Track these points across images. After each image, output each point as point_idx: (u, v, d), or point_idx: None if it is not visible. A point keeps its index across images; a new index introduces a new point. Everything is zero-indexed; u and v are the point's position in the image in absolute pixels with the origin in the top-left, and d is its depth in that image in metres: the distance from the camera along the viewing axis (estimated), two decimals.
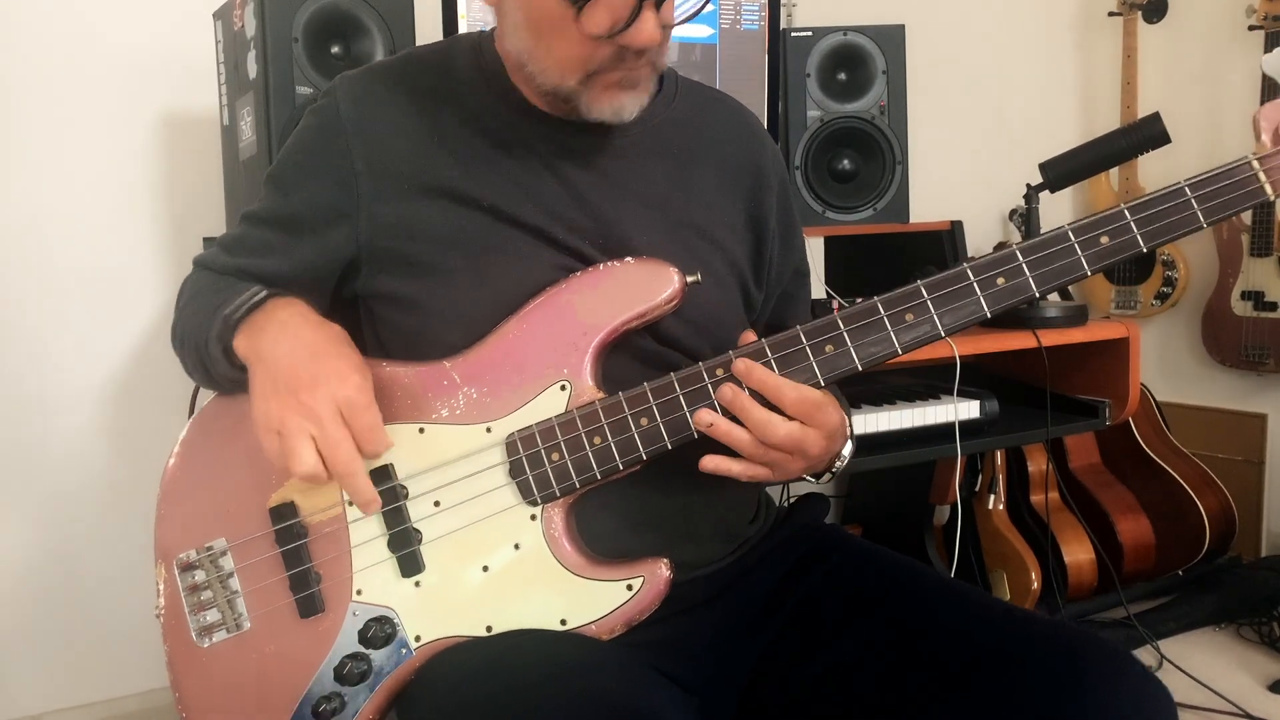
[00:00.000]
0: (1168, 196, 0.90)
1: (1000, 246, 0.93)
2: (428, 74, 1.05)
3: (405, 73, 1.05)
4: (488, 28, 1.09)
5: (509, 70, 1.04)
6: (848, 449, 1.04)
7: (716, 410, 0.92)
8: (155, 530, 1.01)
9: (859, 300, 0.94)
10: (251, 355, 0.94)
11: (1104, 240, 0.90)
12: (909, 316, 0.92)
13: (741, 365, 0.91)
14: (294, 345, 0.92)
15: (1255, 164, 0.89)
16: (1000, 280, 0.91)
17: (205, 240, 1.72)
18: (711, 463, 0.92)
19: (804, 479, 1.04)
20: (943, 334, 0.92)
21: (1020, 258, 0.91)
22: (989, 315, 0.92)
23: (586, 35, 0.90)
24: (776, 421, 0.91)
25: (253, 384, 0.92)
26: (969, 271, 0.92)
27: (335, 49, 1.62)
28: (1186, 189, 0.90)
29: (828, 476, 1.04)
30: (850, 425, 1.04)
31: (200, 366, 1.02)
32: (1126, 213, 0.90)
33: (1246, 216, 2.56)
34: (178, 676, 1.00)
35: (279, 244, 1.04)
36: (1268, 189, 0.89)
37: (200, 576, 1.00)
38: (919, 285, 0.92)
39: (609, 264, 0.97)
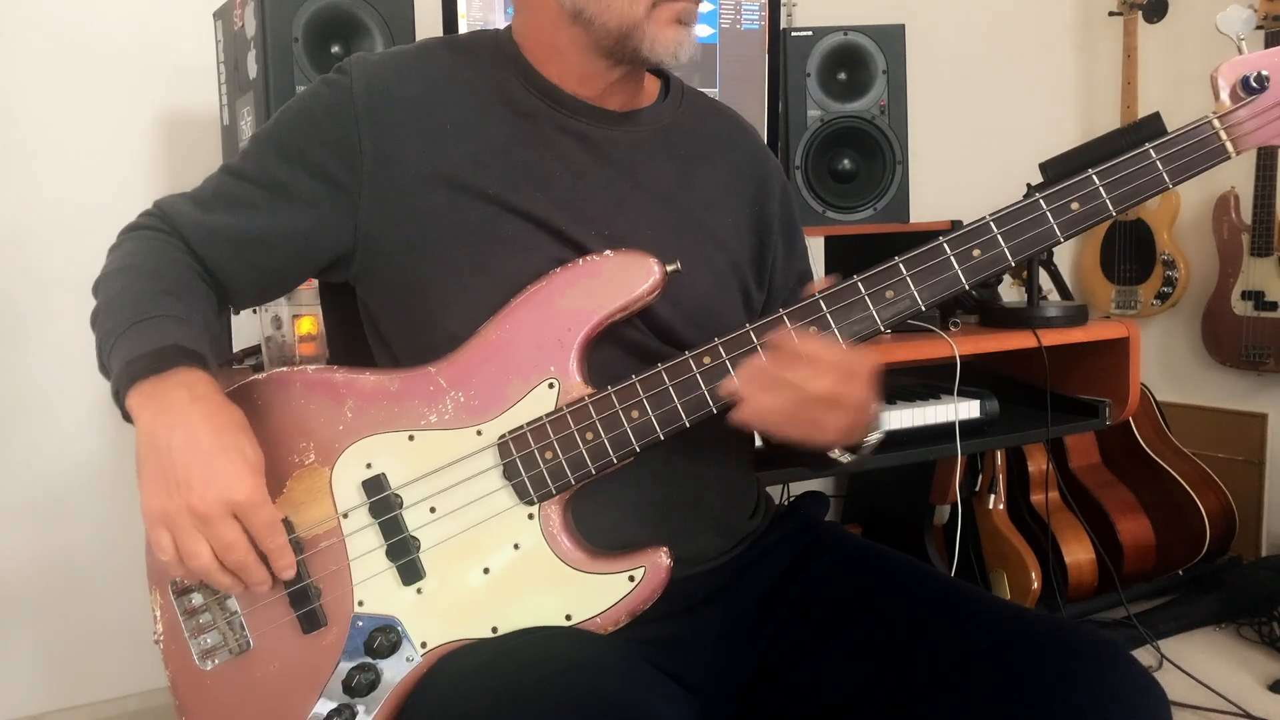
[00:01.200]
0: (1133, 160, 0.92)
1: None
2: (445, 62, 1.05)
3: (421, 59, 1.05)
4: (488, 29, 1.10)
5: (527, 53, 1.05)
6: (879, 423, 1.00)
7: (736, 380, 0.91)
8: (146, 557, 1.00)
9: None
10: (143, 433, 0.90)
11: (1074, 206, 0.92)
12: (889, 293, 0.93)
13: (775, 338, 0.91)
14: (189, 438, 0.88)
15: (1215, 122, 0.91)
16: (976, 251, 0.93)
17: None
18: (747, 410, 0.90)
19: (832, 456, 1.00)
20: (923, 308, 0.93)
21: (994, 228, 0.93)
22: (967, 286, 0.94)
23: None
24: (821, 368, 0.89)
25: (142, 471, 0.90)
26: (945, 246, 0.93)
27: (335, 49, 1.62)
28: (1151, 151, 0.91)
29: (847, 457, 1.01)
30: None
31: (98, 364, 0.99)
32: (1095, 178, 0.92)
33: (1247, 216, 2.56)
34: (183, 701, 0.99)
35: (265, 204, 1.01)
36: (1229, 146, 0.91)
37: (197, 600, 0.98)
38: (897, 262, 0.93)
39: (588, 258, 0.97)
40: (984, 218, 0.93)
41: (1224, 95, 0.92)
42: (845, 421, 0.92)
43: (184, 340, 0.92)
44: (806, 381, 0.89)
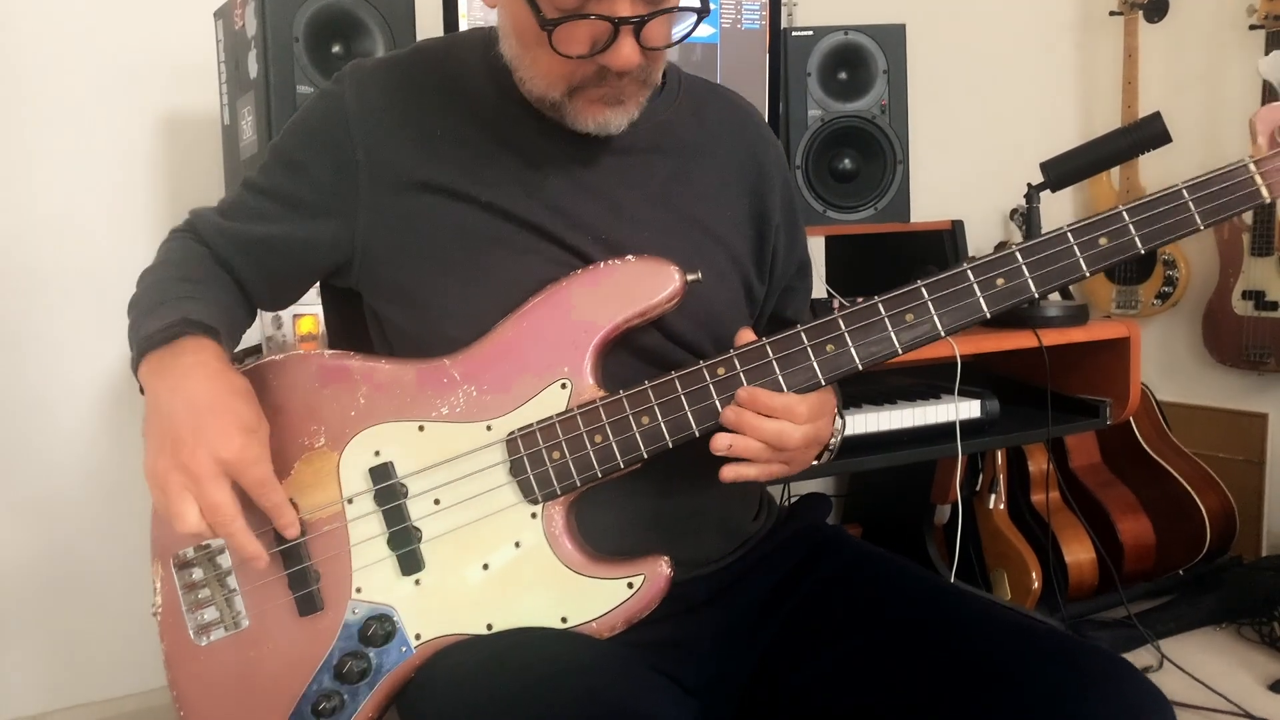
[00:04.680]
0: (1166, 199, 0.91)
1: (1001, 246, 0.93)
2: (435, 69, 1.05)
3: (414, 65, 1.05)
4: (484, 26, 1.09)
5: (510, 64, 1.04)
6: (839, 424, 1.06)
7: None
8: (151, 528, 1.01)
9: (859, 300, 0.94)
10: (149, 397, 0.93)
11: (1102, 241, 0.91)
12: (909, 317, 0.93)
13: (745, 394, 0.92)
14: (186, 400, 0.90)
15: (1252, 167, 0.90)
16: (1000, 281, 0.92)
17: None
18: (732, 472, 0.93)
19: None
20: (943, 334, 0.93)
21: (1020, 259, 0.92)
22: (989, 315, 0.92)
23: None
24: (789, 430, 0.92)
25: (146, 431, 0.92)
26: (969, 272, 0.92)
27: (336, 48, 1.62)
28: (1184, 191, 0.90)
29: (826, 455, 1.05)
30: (839, 398, 1.08)
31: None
32: (1125, 214, 0.91)
33: (1247, 216, 2.56)
34: (175, 675, 1.00)
35: (273, 214, 1.04)
36: (1264, 191, 0.90)
37: (198, 574, 0.99)
38: (919, 285, 0.93)
39: (610, 262, 0.97)
40: (1010, 247, 0.93)
41: (1261, 140, 0.92)
42: (815, 453, 1.00)
43: (193, 314, 0.95)
44: (779, 438, 0.92)
